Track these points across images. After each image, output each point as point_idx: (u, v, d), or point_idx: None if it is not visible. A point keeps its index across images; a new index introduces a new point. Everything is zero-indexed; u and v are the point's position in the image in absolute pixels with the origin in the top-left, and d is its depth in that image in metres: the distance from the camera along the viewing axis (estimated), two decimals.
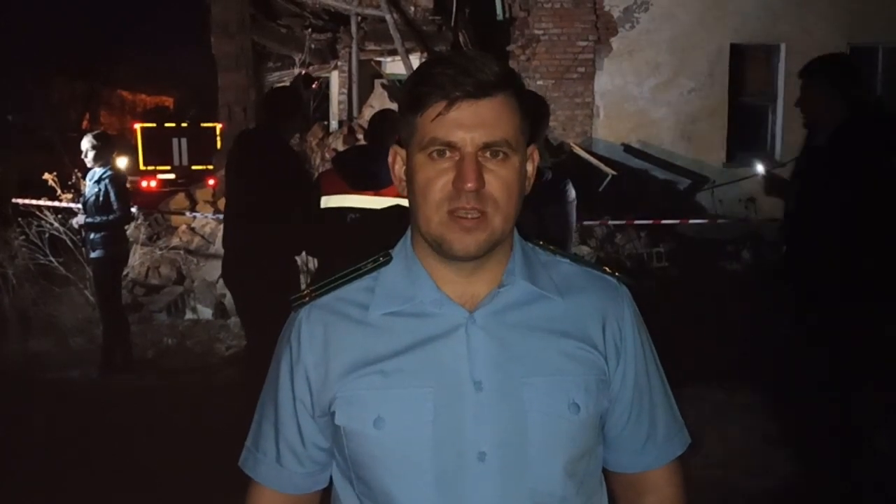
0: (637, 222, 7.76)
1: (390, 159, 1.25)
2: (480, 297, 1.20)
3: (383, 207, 3.35)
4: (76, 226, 6.45)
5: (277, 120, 4.52)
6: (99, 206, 5.90)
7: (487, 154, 1.12)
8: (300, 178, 4.48)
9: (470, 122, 1.11)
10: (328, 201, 3.51)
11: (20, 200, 8.78)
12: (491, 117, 1.12)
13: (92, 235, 6.01)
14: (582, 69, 9.56)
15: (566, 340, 1.21)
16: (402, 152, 1.21)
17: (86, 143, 6.05)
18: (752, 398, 4.74)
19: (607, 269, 1.31)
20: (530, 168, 1.22)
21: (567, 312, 1.23)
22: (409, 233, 1.26)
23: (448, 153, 1.12)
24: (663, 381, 1.32)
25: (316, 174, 5.42)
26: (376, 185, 3.28)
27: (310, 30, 13.02)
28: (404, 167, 1.21)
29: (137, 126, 16.39)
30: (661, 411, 1.30)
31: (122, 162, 13.22)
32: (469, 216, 1.12)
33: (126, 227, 6.53)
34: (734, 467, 3.91)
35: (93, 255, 6.06)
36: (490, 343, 1.18)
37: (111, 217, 5.90)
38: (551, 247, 1.30)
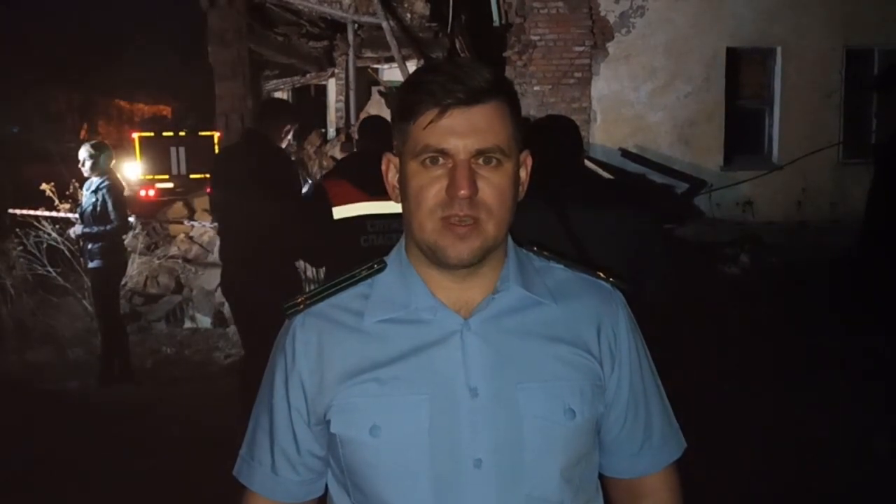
0: None
1: (383, 167, 1.25)
2: (475, 304, 1.20)
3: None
4: (73, 236, 6.45)
5: (266, 129, 4.54)
6: (96, 216, 5.89)
7: (480, 161, 1.13)
8: (294, 184, 4.48)
9: (462, 129, 1.11)
10: (343, 211, 3.48)
11: (18, 211, 8.78)
12: (483, 124, 1.12)
13: (90, 246, 6.01)
14: (578, 74, 9.57)
15: (561, 346, 1.21)
16: (395, 160, 1.22)
17: (83, 152, 6.04)
18: (754, 400, 4.73)
19: (601, 274, 1.31)
20: (524, 174, 1.23)
21: (562, 318, 1.23)
22: (402, 240, 1.26)
23: (441, 160, 1.13)
24: (658, 385, 1.33)
25: (310, 182, 5.41)
26: None
27: (306, 38, 13.05)
28: (397, 175, 1.21)
29: (135, 135, 16.34)
30: (656, 416, 1.30)
31: (132, 170, 13.28)
32: (462, 223, 1.12)
33: (124, 236, 6.52)
34: (735, 470, 3.90)
35: (91, 265, 6.05)
36: (485, 349, 1.18)
37: (108, 227, 5.89)
38: (545, 252, 1.30)
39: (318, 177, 8.15)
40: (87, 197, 6.03)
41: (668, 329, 2.62)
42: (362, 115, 11.04)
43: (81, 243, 6.30)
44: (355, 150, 5.50)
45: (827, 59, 9.88)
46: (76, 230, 6.18)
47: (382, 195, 3.69)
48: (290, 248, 4.05)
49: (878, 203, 3.65)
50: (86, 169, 6.02)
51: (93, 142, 6.45)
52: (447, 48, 11.34)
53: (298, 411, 1.22)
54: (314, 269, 5.78)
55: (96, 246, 5.96)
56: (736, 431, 4.28)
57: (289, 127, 4.63)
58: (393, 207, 3.46)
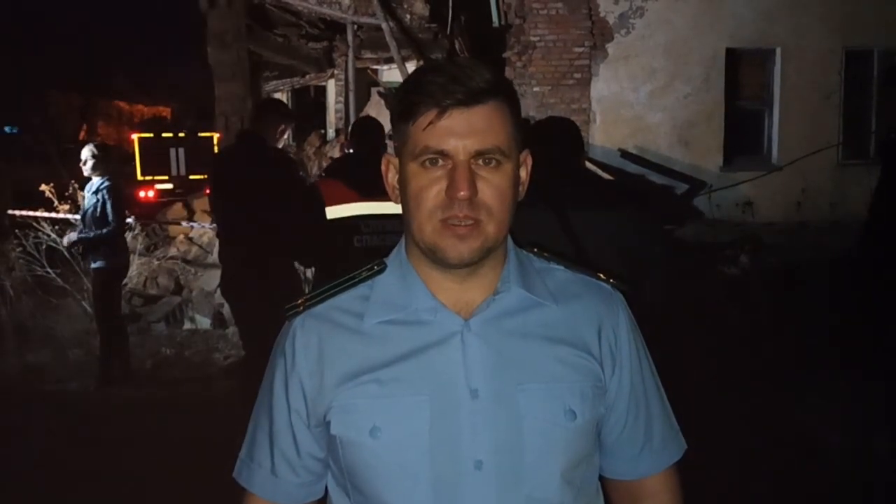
0: None
1: (383, 168, 1.25)
2: (475, 305, 1.20)
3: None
4: (66, 243, 6.44)
5: (261, 129, 4.54)
6: (96, 218, 5.89)
7: (480, 161, 1.12)
8: (292, 184, 4.49)
9: (462, 130, 1.11)
10: (337, 211, 3.50)
11: (17, 212, 8.79)
12: (483, 125, 1.12)
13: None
14: (578, 75, 9.57)
15: (561, 347, 1.21)
16: (395, 161, 1.21)
17: (86, 152, 6.05)
18: (754, 400, 4.73)
19: (602, 275, 1.30)
20: (524, 174, 1.22)
21: (562, 319, 1.23)
22: (402, 241, 1.25)
23: (440, 161, 1.12)
24: (659, 387, 1.32)
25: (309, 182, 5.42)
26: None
27: (306, 39, 13.05)
28: (397, 176, 1.21)
29: (135, 136, 16.34)
30: (656, 418, 1.30)
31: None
32: (462, 224, 1.12)
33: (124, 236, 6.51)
34: (735, 470, 3.90)
35: (94, 265, 6.05)
36: (486, 350, 1.17)
37: (104, 231, 5.88)
38: (545, 253, 1.30)
39: (319, 178, 8.15)
40: (88, 199, 6.03)
41: (667, 330, 2.62)
42: (359, 116, 11.04)
43: (80, 248, 6.30)
44: (348, 150, 5.51)
45: (826, 60, 9.88)
46: (70, 237, 6.18)
47: (376, 196, 3.72)
48: (289, 248, 4.05)
49: (881, 203, 3.64)
50: (87, 168, 6.02)
51: (96, 142, 6.47)
52: (447, 49, 11.33)
53: (298, 413, 1.22)
54: (313, 270, 5.80)
55: (99, 245, 5.97)
56: (736, 431, 4.28)
57: (283, 127, 4.63)
58: (386, 208, 3.48)
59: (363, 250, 3.41)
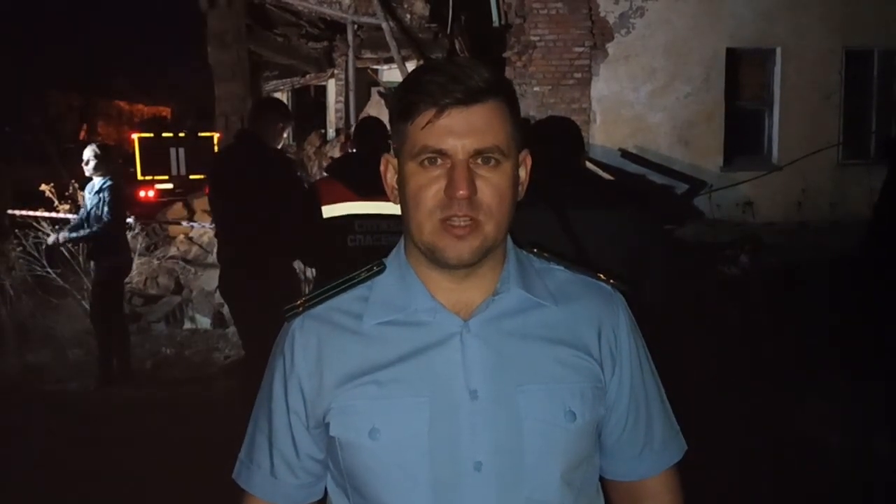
0: None
1: (382, 168, 1.25)
2: (475, 305, 1.20)
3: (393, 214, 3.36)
4: (50, 242, 6.45)
5: (260, 129, 4.54)
6: (98, 218, 5.90)
7: (479, 161, 1.12)
8: (292, 183, 4.49)
9: (460, 130, 1.11)
10: (331, 210, 3.51)
11: (17, 212, 8.78)
12: (482, 124, 1.12)
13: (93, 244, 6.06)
14: (578, 75, 9.57)
15: (561, 348, 1.20)
16: (394, 161, 1.21)
17: (88, 152, 6.07)
18: (754, 400, 4.73)
19: (602, 275, 1.30)
20: (523, 174, 1.22)
21: (562, 320, 1.22)
22: (402, 241, 1.25)
23: (439, 161, 1.12)
24: (659, 388, 1.32)
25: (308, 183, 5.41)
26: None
27: (306, 39, 13.05)
28: (396, 175, 1.20)
29: (135, 136, 16.35)
30: (657, 419, 1.30)
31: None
32: (461, 223, 1.12)
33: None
34: (735, 470, 3.90)
35: (97, 263, 6.07)
36: (485, 351, 1.17)
37: (95, 228, 5.88)
38: (545, 253, 1.30)
39: (319, 177, 8.15)
40: (90, 199, 6.04)
41: (667, 330, 2.62)
42: (361, 116, 11.03)
43: (71, 246, 6.31)
44: (351, 150, 5.52)
45: (826, 60, 9.88)
46: (63, 236, 6.17)
47: (373, 195, 3.73)
48: (287, 248, 4.05)
49: (885, 204, 3.63)
50: (89, 169, 6.03)
51: (98, 143, 6.48)
52: (447, 49, 11.33)
53: (297, 414, 1.22)
54: (312, 270, 5.80)
55: (100, 244, 5.98)
56: (736, 431, 4.27)
57: (282, 126, 4.62)
58: (382, 208, 3.49)
59: (356, 249, 3.41)
